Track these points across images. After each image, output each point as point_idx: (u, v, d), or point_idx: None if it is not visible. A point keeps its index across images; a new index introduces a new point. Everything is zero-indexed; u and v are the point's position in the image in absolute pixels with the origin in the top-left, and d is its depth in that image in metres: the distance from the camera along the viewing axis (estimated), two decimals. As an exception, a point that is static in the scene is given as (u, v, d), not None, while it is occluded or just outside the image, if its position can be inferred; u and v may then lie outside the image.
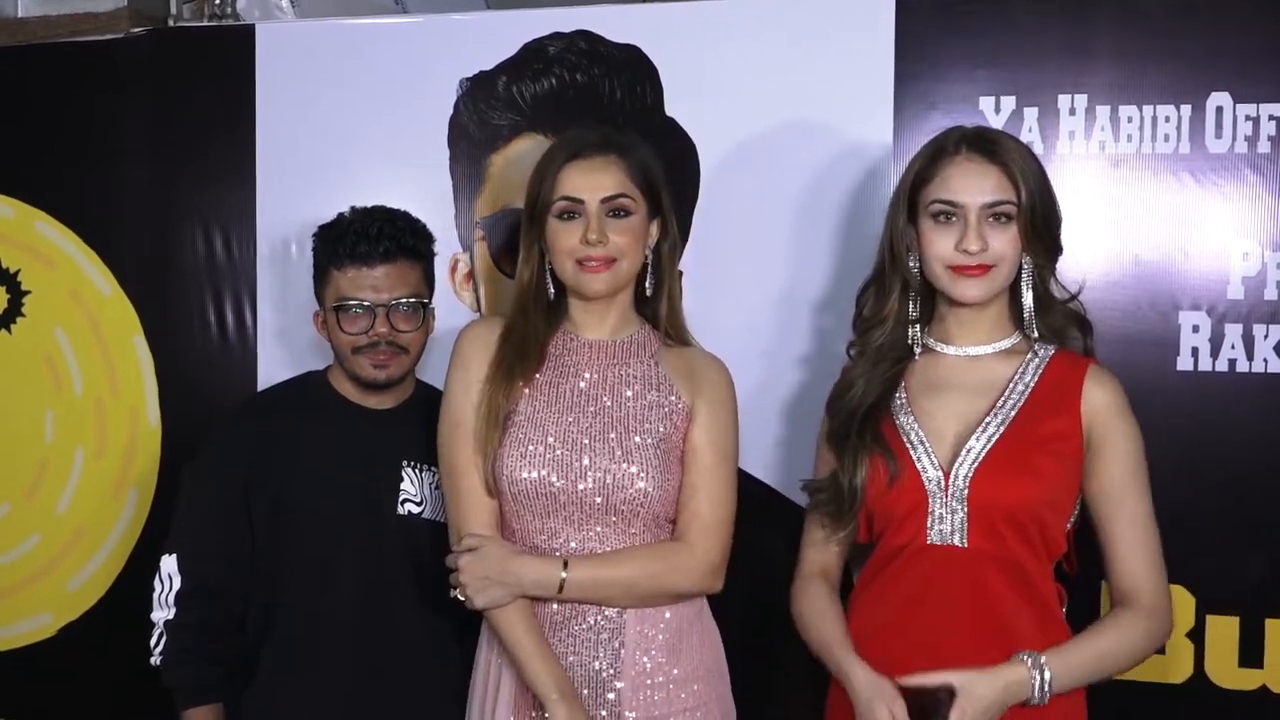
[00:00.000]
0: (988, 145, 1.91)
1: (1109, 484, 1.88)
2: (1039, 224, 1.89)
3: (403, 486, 2.21)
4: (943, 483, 1.87)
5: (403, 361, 2.21)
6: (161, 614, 2.19)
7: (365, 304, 2.16)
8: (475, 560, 1.94)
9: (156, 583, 2.21)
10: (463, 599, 1.95)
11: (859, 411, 1.94)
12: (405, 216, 2.23)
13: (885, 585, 1.90)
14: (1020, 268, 1.92)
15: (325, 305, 2.21)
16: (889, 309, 1.98)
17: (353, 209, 2.23)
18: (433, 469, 2.16)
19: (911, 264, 1.96)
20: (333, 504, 2.18)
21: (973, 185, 1.88)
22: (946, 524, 1.86)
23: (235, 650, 2.21)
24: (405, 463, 2.21)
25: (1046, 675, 1.79)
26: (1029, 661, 1.80)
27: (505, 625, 1.94)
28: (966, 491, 1.85)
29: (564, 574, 1.92)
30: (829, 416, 2.01)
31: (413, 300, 2.19)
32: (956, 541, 1.85)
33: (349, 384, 2.25)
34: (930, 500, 1.87)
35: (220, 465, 2.22)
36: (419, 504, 2.22)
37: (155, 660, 2.20)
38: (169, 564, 2.20)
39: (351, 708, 2.17)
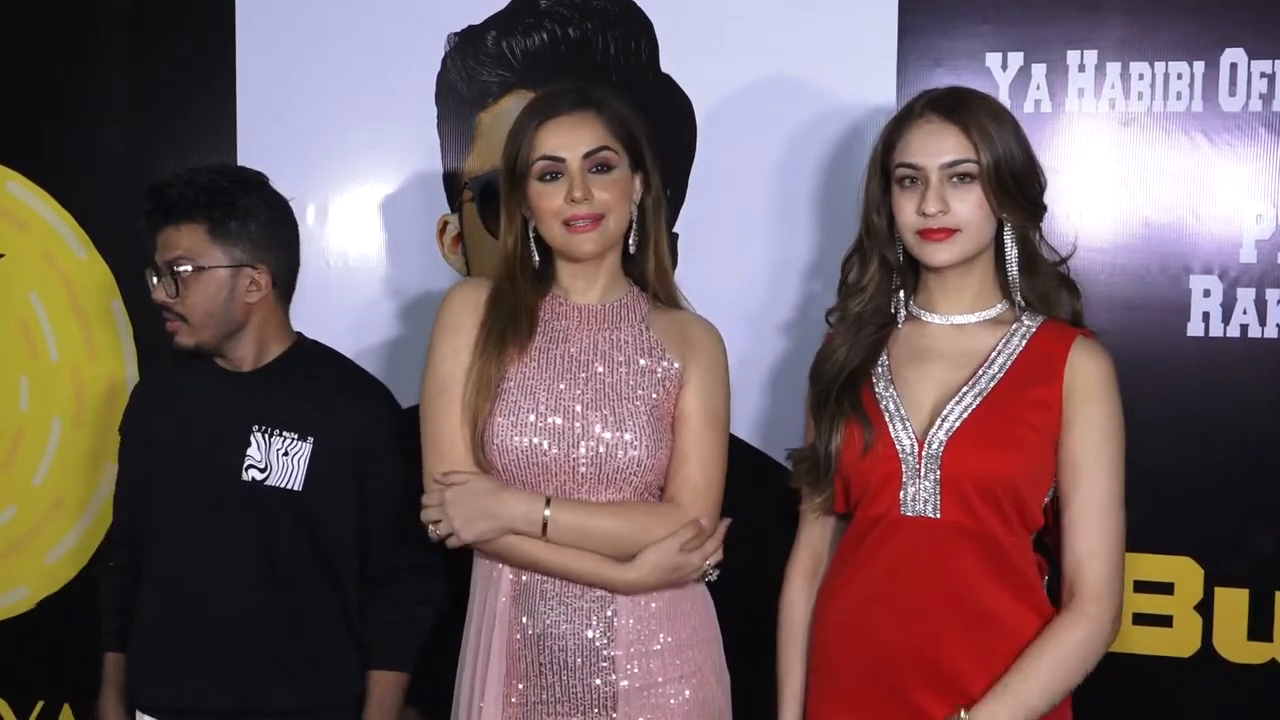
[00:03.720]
0: (950, 105, 1.86)
1: (1072, 457, 1.82)
2: (1008, 183, 1.84)
3: (248, 452, 2.17)
4: (916, 451, 1.84)
5: (189, 331, 2.16)
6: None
7: (155, 266, 2.16)
8: (462, 493, 1.91)
9: None
10: (445, 534, 1.91)
11: (839, 378, 1.93)
12: (198, 177, 2.15)
13: (863, 559, 1.88)
14: (1003, 231, 1.87)
15: None
16: (869, 278, 1.97)
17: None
18: (283, 434, 2.16)
19: (895, 234, 1.92)
20: (179, 464, 2.19)
21: (930, 146, 1.85)
22: (919, 494, 1.83)
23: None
24: (255, 428, 2.17)
25: None
26: None
27: (510, 549, 1.92)
28: (939, 461, 1.82)
29: (546, 512, 1.89)
30: (812, 384, 2.00)
31: (182, 265, 2.12)
32: (929, 512, 1.83)
33: None
34: (904, 469, 1.84)
35: (124, 420, 2.33)
36: (263, 470, 2.17)
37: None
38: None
39: (187, 666, 2.16)
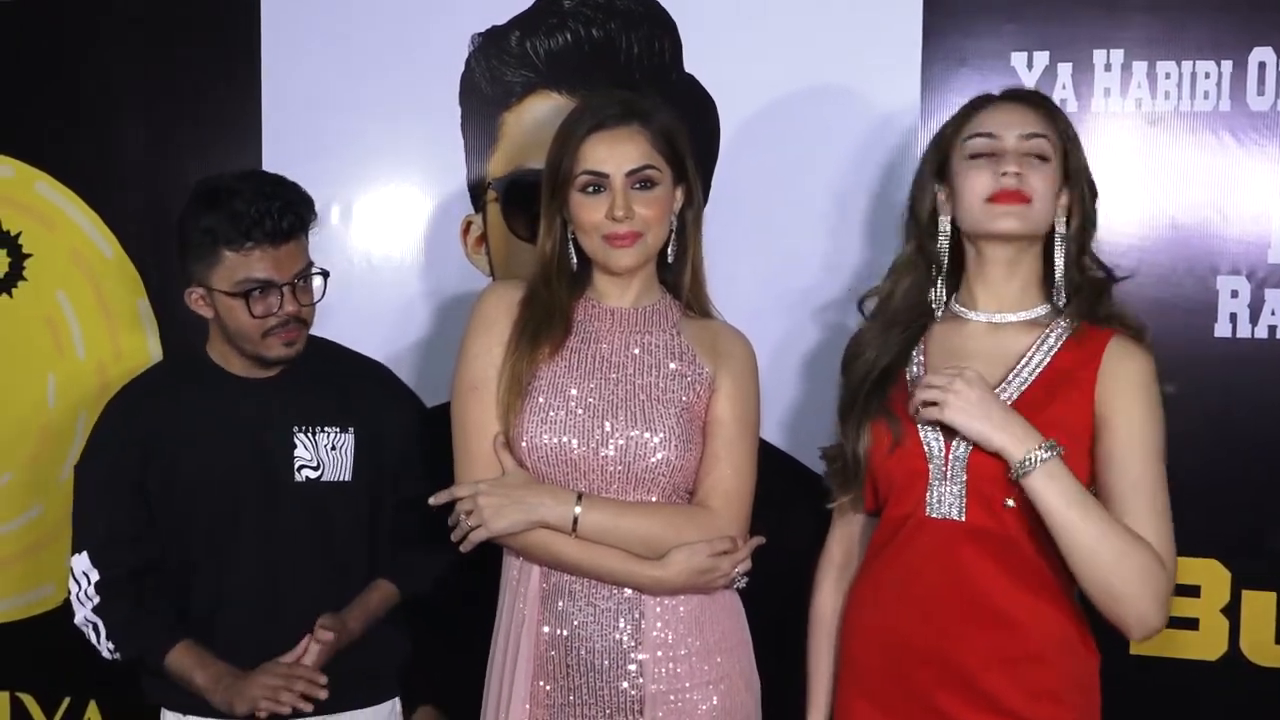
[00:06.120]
0: (1030, 94, 1.93)
1: (1105, 471, 1.78)
2: (1073, 175, 1.86)
3: (296, 453, 2.19)
4: (944, 455, 1.83)
5: (304, 334, 2.19)
6: (84, 611, 2.20)
7: (274, 283, 2.10)
8: (495, 484, 1.92)
9: (71, 584, 2.21)
10: (475, 525, 1.90)
11: (870, 376, 1.92)
12: (294, 187, 2.15)
13: (889, 559, 1.88)
14: (1054, 232, 1.87)
15: (213, 286, 2.12)
16: (903, 262, 1.97)
17: (232, 178, 2.15)
18: (325, 429, 2.19)
19: (942, 225, 1.90)
20: (226, 480, 2.17)
21: (1014, 119, 1.86)
22: (945, 496, 1.83)
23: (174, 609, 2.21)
24: (296, 429, 2.20)
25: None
26: None
27: (539, 544, 1.92)
28: (966, 465, 1.81)
29: (577, 508, 1.89)
30: (843, 376, 2.00)
31: (311, 273, 2.16)
32: (954, 515, 1.82)
33: (239, 360, 2.20)
34: (930, 470, 1.84)
35: (110, 452, 2.20)
36: (316, 468, 2.20)
37: (107, 653, 2.21)
38: (81, 562, 2.20)
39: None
